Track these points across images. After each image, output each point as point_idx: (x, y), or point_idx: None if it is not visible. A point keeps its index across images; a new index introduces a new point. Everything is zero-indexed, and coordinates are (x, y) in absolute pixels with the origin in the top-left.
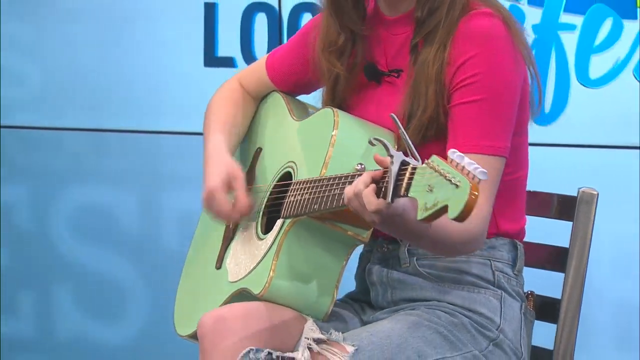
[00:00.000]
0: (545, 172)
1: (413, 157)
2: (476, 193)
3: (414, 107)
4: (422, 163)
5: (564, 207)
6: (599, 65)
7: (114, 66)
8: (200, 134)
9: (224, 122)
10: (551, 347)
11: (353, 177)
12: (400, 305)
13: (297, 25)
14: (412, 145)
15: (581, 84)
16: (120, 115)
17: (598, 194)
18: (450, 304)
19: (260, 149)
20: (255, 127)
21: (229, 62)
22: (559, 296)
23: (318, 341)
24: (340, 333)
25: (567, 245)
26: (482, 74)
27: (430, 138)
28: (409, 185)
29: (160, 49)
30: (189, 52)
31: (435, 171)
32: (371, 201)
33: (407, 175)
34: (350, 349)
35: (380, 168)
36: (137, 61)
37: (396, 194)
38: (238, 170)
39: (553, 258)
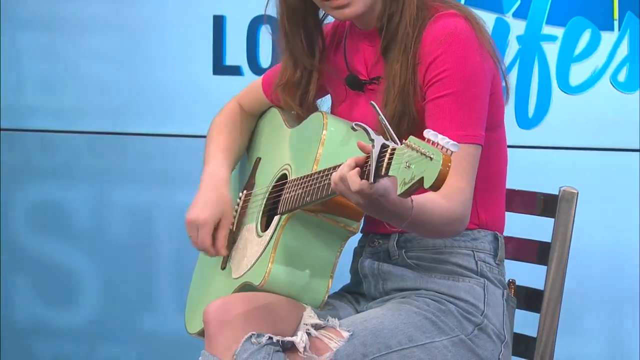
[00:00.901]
0: (528, 172)
1: (392, 140)
2: (449, 164)
3: (396, 108)
4: (401, 144)
5: (546, 204)
6: (578, 73)
7: (132, 74)
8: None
9: (224, 146)
10: (535, 335)
11: (337, 167)
12: (391, 294)
13: None
14: (390, 129)
15: (562, 90)
16: (137, 119)
17: (578, 193)
18: (437, 292)
19: (259, 159)
20: (255, 139)
21: (236, 71)
22: (542, 287)
23: (316, 327)
24: (337, 319)
25: (549, 240)
26: (450, 69)
27: (404, 134)
28: (389, 165)
29: (173, 58)
30: (199, 61)
31: (412, 149)
32: (354, 181)
33: (387, 156)
34: (345, 334)
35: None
36: (152, 70)
37: (378, 174)
38: (229, 211)
39: (536, 252)
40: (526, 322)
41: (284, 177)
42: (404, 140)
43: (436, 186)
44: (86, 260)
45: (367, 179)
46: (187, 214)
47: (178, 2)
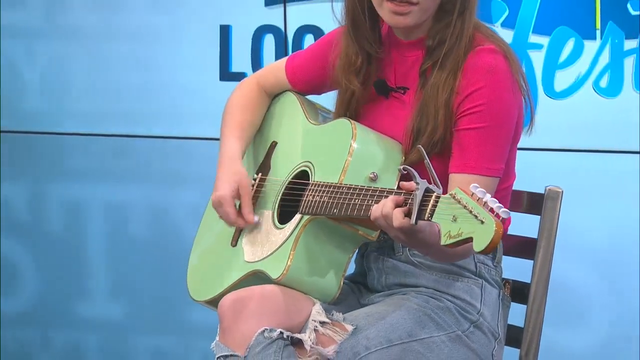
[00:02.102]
0: (516, 172)
1: (435, 184)
2: (500, 231)
3: (422, 124)
4: (445, 193)
5: (532, 202)
6: (562, 79)
7: (144, 81)
8: (217, 139)
9: (239, 126)
10: (522, 325)
11: (373, 193)
12: (392, 289)
13: (301, 44)
14: (435, 175)
15: (547, 95)
16: (149, 121)
17: (562, 192)
18: (437, 291)
19: (275, 143)
20: (269, 121)
21: (241, 77)
22: (528, 280)
23: (323, 324)
24: (341, 314)
25: (535, 236)
26: (486, 104)
27: (434, 153)
28: (432, 211)
29: (183, 65)
30: (206, 68)
31: (459, 204)
32: (398, 218)
33: (432, 202)
34: (349, 327)
35: (396, 189)
36: (163, 76)
37: (420, 217)
38: (247, 181)
39: (523, 247)
40: (512, 313)
41: (304, 174)
42: (450, 192)
43: (486, 251)
44: (102, 259)
45: (409, 217)
46: (212, 195)
47: (187, 13)
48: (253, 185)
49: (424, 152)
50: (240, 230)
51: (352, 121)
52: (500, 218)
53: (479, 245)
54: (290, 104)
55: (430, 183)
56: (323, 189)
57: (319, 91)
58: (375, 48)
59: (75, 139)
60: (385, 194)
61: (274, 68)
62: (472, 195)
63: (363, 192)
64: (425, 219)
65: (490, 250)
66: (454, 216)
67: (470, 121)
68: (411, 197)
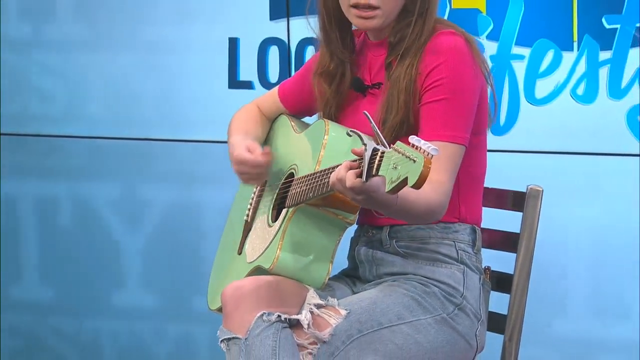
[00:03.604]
0: (500, 172)
1: (382, 144)
2: (429, 166)
3: (388, 112)
4: (390, 148)
5: (515, 200)
6: (543, 87)
7: (158, 88)
8: (224, 142)
9: (245, 131)
10: (506, 313)
11: (337, 167)
12: (383, 278)
13: (302, 55)
14: (380, 135)
15: (529, 102)
16: (163, 126)
17: (543, 190)
18: (423, 277)
19: None
20: (268, 142)
21: (248, 85)
22: (511, 272)
23: (318, 306)
24: (336, 299)
25: (518, 231)
26: (445, 78)
27: (402, 136)
28: (379, 166)
29: (194, 74)
30: (216, 77)
31: (399, 152)
32: (350, 179)
33: (377, 158)
34: (343, 312)
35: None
36: (176, 84)
37: (369, 174)
38: (255, 144)
39: (507, 241)
40: (496, 302)
41: (291, 175)
42: (392, 145)
43: (418, 185)
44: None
45: (361, 177)
46: (230, 159)
47: (199, 27)
48: (252, 198)
49: (369, 115)
50: (244, 239)
51: (326, 120)
52: (430, 155)
53: (411, 180)
54: (282, 123)
55: (377, 144)
56: (302, 180)
57: (309, 111)
58: (346, 54)
59: (101, 142)
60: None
61: (270, 94)
62: (411, 145)
63: (330, 171)
64: (374, 174)
65: (420, 183)
66: (394, 164)
67: (433, 94)
68: (362, 160)
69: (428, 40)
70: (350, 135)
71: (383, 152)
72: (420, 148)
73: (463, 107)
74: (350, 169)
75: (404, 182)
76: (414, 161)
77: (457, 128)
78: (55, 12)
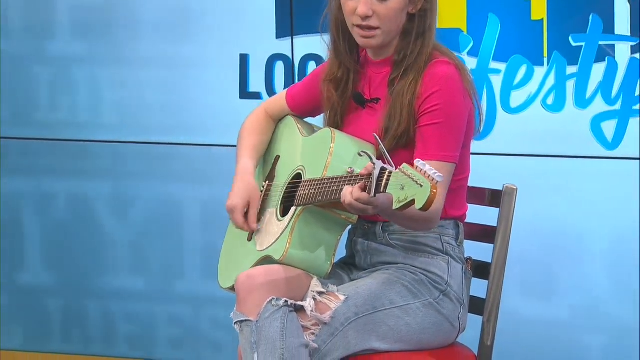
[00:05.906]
0: (479, 173)
1: (389, 164)
2: (435, 190)
3: (391, 123)
4: (396, 169)
5: (493, 197)
6: (517, 98)
7: (176, 99)
8: (235, 146)
9: (252, 148)
10: (484, 297)
11: (346, 179)
12: (377, 267)
13: (305, 69)
14: (388, 156)
15: (505, 111)
16: (182, 132)
17: (517, 189)
18: (412, 266)
19: (278, 157)
20: (275, 140)
21: (257, 96)
22: (489, 260)
23: (320, 293)
24: (335, 286)
25: (495, 225)
26: (441, 104)
27: (401, 146)
28: (386, 184)
29: (208, 86)
30: (228, 88)
31: (406, 175)
32: (357, 193)
33: (385, 177)
34: (342, 297)
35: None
36: (193, 95)
37: (377, 190)
38: (257, 194)
39: (486, 234)
40: (476, 287)
41: (298, 175)
42: (398, 167)
43: (425, 208)
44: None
45: (369, 192)
46: (226, 203)
47: (213, 44)
48: (262, 191)
49: (378, 138)
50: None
51: (333, 129)
52: (435, 181)
53: (419, 203)
54: (289, 124)
55: (385, 163)
56: (311, 183)
57: (313, 113)
58: (353, 64)
59: (131, 146)
60: (353, 178)
61: (278, 97)
62: (416, 168)
63: (338, 180)
64: (382, 191)
65: (427, 207)
66: (402, 185)
67: (429, 118)
68: (371, 177)
69: (428, 63)
70: (361, 156)
71: (390, 173)
72: (426, 173)
73: (455, 130)
74: (363, 190)
75: (412, 203)
76: (421, 186)
77: (449, 148)
78: (78, 27)
